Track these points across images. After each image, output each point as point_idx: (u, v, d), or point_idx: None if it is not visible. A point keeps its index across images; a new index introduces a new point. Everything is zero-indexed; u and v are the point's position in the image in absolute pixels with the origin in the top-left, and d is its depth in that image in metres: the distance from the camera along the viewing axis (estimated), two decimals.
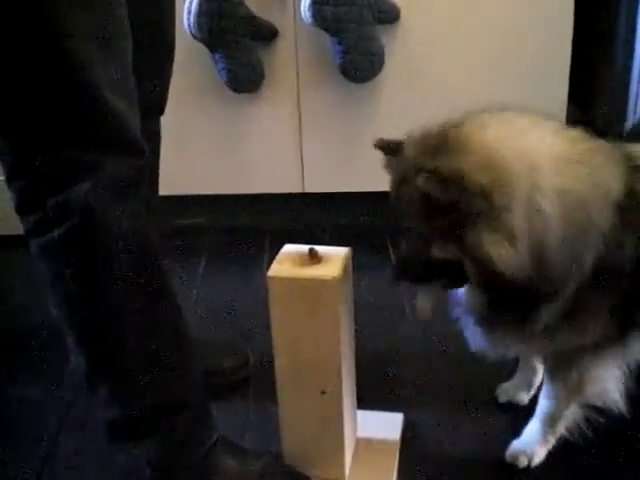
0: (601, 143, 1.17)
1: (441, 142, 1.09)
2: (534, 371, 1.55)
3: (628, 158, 1.17)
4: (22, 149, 1.06)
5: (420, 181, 1.04)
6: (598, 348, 1.27)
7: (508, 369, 1.56)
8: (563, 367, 1.33)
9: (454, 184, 1.02)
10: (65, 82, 1.02)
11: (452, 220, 1.05)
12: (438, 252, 1.11)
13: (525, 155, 1.06)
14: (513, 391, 1.57)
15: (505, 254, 1.05)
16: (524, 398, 1.56)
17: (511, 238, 1.04)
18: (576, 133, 1.15)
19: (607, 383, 1.32)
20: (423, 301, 1.23)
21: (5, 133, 1.06)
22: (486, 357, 1.33)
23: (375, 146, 1.19)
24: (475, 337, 1.28)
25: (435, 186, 1.03)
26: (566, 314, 1.17)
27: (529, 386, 1.56)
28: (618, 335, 1.25)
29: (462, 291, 1.20)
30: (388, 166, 1.19)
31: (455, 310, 1.29)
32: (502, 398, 1.57)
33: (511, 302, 1.13)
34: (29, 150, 1.06)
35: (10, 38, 0.98)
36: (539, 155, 1.07)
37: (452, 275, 1.13)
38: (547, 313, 1.16)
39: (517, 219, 1.04)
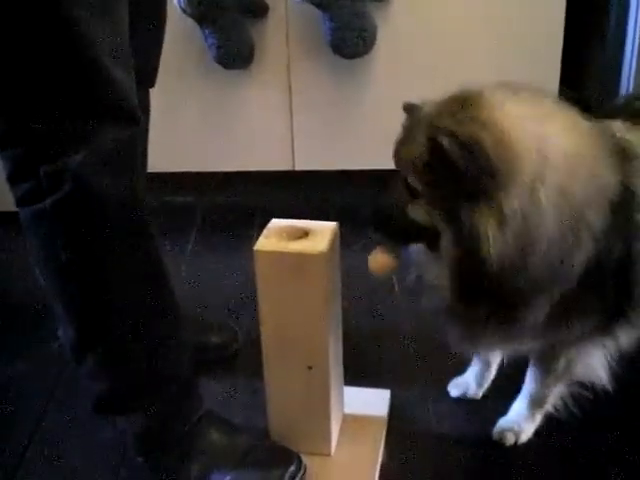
0: (601, 131, 1.14)
1: (461, 109, 1.05)
2: (488, 366, 1.51)
3: (619, 144, 1.15)
4: (17, 116, 1.04)
5: (445, 141, 1.00)
6: (586, 340, 1.27)
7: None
8: (551, 357, 1.32)
9: (472, 153, 1.00)
10: (65, 47, 1.00)
11: (454, 189, 1.03)
12: (420, 215, 1.08)
13: (539, 145, 1.03)
14: (466, 386, 1.52)
15: (493, 237, 1.02)
16: (478, 393, 1.51)
17: (502, 223, 1.02)
18: (587, 127, 1.12)
19: (594, 364, 1.31)
20: (377, 255, 1.19)
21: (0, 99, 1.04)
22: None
23: (404, 108, 1.15)
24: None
25: (456, 149, 1.00)
26: (554, 312, 1.14)
27: (483, 381, 1.52)
28: (606, 327, 1.24)
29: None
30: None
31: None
32: (454, 392, 1.53)
33: (481, 295, 1.10)
34: (24, 117, 1.04)
35: (8, 2, 0.96)
36: (552, 148, 1.04)
37: (427, 242, 1.13)
38: (533, 314, 1.13)
39: (514, 205, 1.02)
